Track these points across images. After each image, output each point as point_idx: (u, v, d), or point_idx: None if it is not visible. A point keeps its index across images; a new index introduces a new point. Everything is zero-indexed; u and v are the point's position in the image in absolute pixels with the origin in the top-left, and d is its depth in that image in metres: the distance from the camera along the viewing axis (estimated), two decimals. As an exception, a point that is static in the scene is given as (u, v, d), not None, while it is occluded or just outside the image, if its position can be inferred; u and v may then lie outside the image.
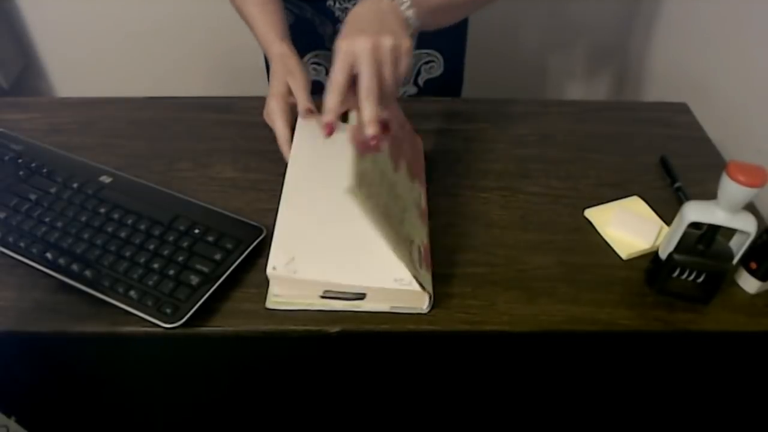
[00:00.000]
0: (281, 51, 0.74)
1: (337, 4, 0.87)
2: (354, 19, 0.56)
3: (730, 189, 0.54)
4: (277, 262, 0.59)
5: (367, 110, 0.53)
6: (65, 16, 1.44)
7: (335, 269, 0.60)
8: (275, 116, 0.71)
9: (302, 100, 0.69)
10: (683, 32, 1.12)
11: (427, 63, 0.96)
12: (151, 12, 1.43)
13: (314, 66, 0.95)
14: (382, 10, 0.56)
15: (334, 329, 0.59)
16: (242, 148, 0.80)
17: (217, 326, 0.59)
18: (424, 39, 0.92)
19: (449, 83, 1.00)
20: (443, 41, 0.95)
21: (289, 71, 0.72)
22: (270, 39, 0.75)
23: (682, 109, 0.92)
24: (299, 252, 0.60)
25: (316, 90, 0.95)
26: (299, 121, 0.71)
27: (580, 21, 1.37)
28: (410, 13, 0.58)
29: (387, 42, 0.52)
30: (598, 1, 1.35)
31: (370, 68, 0.52)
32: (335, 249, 0.61)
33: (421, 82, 0.98)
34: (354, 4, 0.85)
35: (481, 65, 1.10)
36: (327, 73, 0.95)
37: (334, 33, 0.90)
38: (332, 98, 0.55)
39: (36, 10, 1.45)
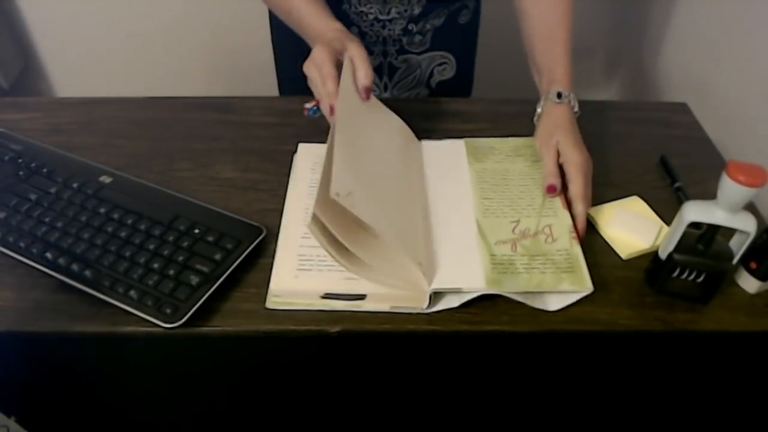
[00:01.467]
0: (343, 28, 0.72)
1: (353, 8, 0.87)
2: (570, 127, 0.73)
3: (730, 189, 0.54)
4: (340, 190, 0.57)
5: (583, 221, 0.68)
6: (65, 16, 1.44)
7: (386, 221, 0.60)
8: (324, 61, 0.67)
9: (363, 67, 0.69)
10: (683, 32, 1.12)
11: (440, 65, 0.96)
12: (151, 12, 1.43)
13: None
14: (575, 122, 0.74)
15: (335, 329, 0.59)
16: (242, 148, 0.80)
17: (217, 326, 0.59)
18: (438, 41, 0.92)
19: (460, 85, 1.00)
20: (457, 43, 0.95)
21: (349, 37, 0.70)
22: (326, 19, 0.73)
23: (682, 109, 0.91)
24: (357, 190, 0.59)
25: None
26: (344, 78, 0.68)
27: (581, 22, 1.37)
28: (577, 110, 0.75)
29: (591, 167, 0.71)
30: (598, 2, 1.35)
31: (585, 181, 0.69)
32: (387, 206, 0.63)
33: (433, 84, 0.97)
34: (369, 9, 0.85)
35: (489, 66, 1.10)
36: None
37: None
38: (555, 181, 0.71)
39: (36, 10, 1.45)
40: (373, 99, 0.74)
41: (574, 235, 0.66)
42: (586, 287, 0.61)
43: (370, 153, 0.68)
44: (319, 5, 0.75)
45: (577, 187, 0.68)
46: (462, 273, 0.61)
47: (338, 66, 0.69)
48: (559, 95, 0.73)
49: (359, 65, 0.69)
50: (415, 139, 0.78)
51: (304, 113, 0.71)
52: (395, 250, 0.60)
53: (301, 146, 0.78)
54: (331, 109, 0.67)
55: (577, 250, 0.64)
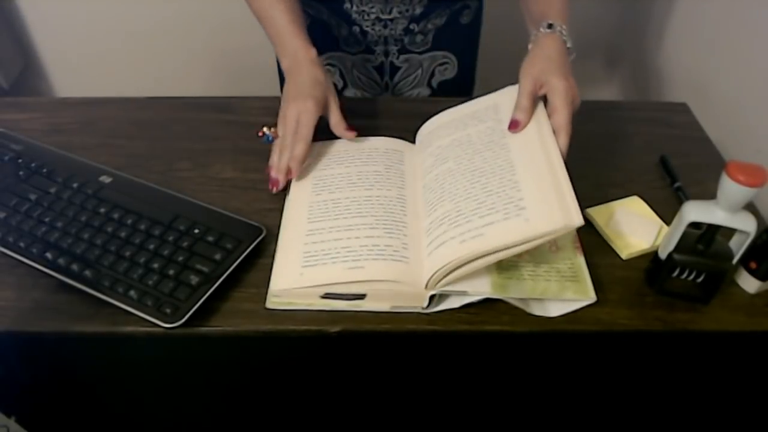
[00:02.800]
0: (317, 58, 0.75)
1: (354, 7, 0.87)
2: (557, 58, 0.68)
3: (730, 189, 0.54)
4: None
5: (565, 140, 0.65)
6: (65, 16, 1.44)
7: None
8: (309, 120, 0.70)
9: (336, 116, 0.74)
10: (683, 32, 1.12)
11: (441, 65, 0.96)
12: (152, 12, 1.43)
13: (329, 67, 0.95)
14: (565, 54, 0.69)
15: (334, 329, 0.59)
16: (242, 148, 0.80)
17: (217, 326, 0.59)
18: (439, 41, 0.92)
19: (461, 85, 1.00)
20: (458, 43, 0.95)
21: (329, 88, 0.73)
22: (300, 42, 0.75)
23: (682, 109, 0.91)
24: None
25: None
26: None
27: (581, 22, 1.37)
28: (570, 45, 0.71)
29: (578, 99, 0.67)
30: (598, 2, 1.35)
31: (570, 111, 0.65)
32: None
33: (434, 83, 0.98)
34: (371, 8, 0.85)
35: (491, 66, 1.10)
36: (341, 74, 0.95)
37: (350, 35, 0.90)
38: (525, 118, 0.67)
39: (36, 10, 1.45)
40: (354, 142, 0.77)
41: (578, 245, 0.66)
42: (589, 296, 0.61)
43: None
44: (298, 22, 0.76)
45: (560, 117, 0.65)
46: (468, 276, 0.61)
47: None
48: (550, 26, 0.70)
49: (333, 115, 0.74)
50: (408, 146, 0.78)
51: (258, 135, 0.76)
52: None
53: None
54: (288, 172, 0.70)
55: (581, 260, 0.64)
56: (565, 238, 0.67)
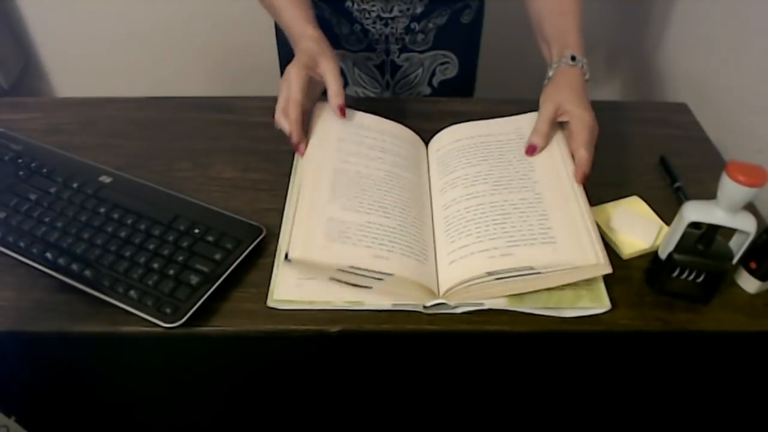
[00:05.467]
0: (317, 35, 0.72)
1: (356, 5, 0.87)
2: (579, 90, 0.71)
3: (730, 189, 0.54)
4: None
5: (586, 167, 0.68)
6: (65, 16, 1.44)
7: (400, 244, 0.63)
8: (292, 82, 0.67)
9: (334, 85, 0.69)
10: (683, 32, 1.12)
11: (442, 64, 0.96)
12: (152, 12, 1.43)
13: None
14: (585, 87, 0.73)
15: (334, 329, 0.59)
16: (242, 148, 0.80)
17: (217, 326, 0.59)
18: (440, 40, 0.92)
19: (462, 84, 1.00)
20: (459, 42, 0.95)
21: (322, 52, 0.70)
22: (303, 23, 0.73)
23: (682, 109, 0.92)
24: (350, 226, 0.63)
25: None
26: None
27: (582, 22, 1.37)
28: (588, 77, 0.74)
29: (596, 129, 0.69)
30: (599, 3, 1.35)
31: (592, 146, 0.68)
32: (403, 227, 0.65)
33: (435, 83, 0.98)
34: (372, 6, 0.85)
35: (492, 66, 1.10)
36: (342, 72, 0.95)
37: (351, 33, 0.90)
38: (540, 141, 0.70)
39: (36, 10, 1.45)
40: (366, 116, 0.74)
41: None
42: (604, 305, 0.61)
43: (369, 177, 0.68)
44: (302, 6, 0.75)
45: (581, 138, 0.67)
46: None
47: (314, 80, 0.70)
48: (573, 58, 0.72)
49: (330, 83, 0.70)
50: (422, 144, 0.77)
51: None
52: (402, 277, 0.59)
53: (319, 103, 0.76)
54: (290, 137, 0.68)
55: None
56: None
